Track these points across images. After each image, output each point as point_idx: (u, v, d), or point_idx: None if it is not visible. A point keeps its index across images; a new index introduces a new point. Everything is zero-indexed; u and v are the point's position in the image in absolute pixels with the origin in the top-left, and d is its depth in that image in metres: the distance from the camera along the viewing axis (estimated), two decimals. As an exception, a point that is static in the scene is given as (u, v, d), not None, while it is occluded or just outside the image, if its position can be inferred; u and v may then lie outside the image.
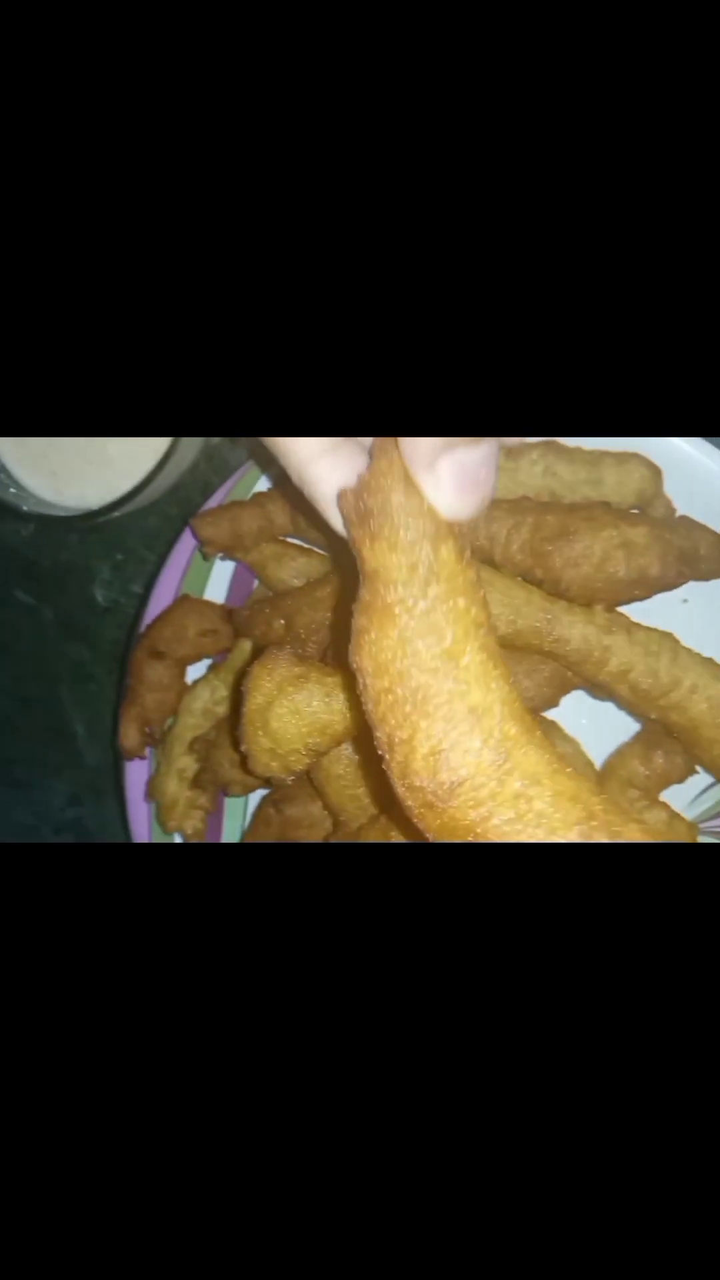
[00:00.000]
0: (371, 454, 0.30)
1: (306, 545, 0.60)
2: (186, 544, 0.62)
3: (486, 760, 0.28)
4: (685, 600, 0.54)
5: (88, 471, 0.63)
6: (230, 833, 0.65)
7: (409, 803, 0.29)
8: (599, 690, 0.51)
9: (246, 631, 0.58)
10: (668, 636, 0.49)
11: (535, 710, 0.53)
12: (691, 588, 0.52)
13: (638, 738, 0.54)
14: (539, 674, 0.51)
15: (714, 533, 0.51)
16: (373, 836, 0.51)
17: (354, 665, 0.30)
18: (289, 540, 0.60)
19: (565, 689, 0.52)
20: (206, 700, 0.62)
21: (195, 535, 0.59)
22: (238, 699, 0.51)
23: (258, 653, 0.50)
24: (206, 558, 0.62)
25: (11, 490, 0.63)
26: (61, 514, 0.62)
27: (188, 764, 0.62)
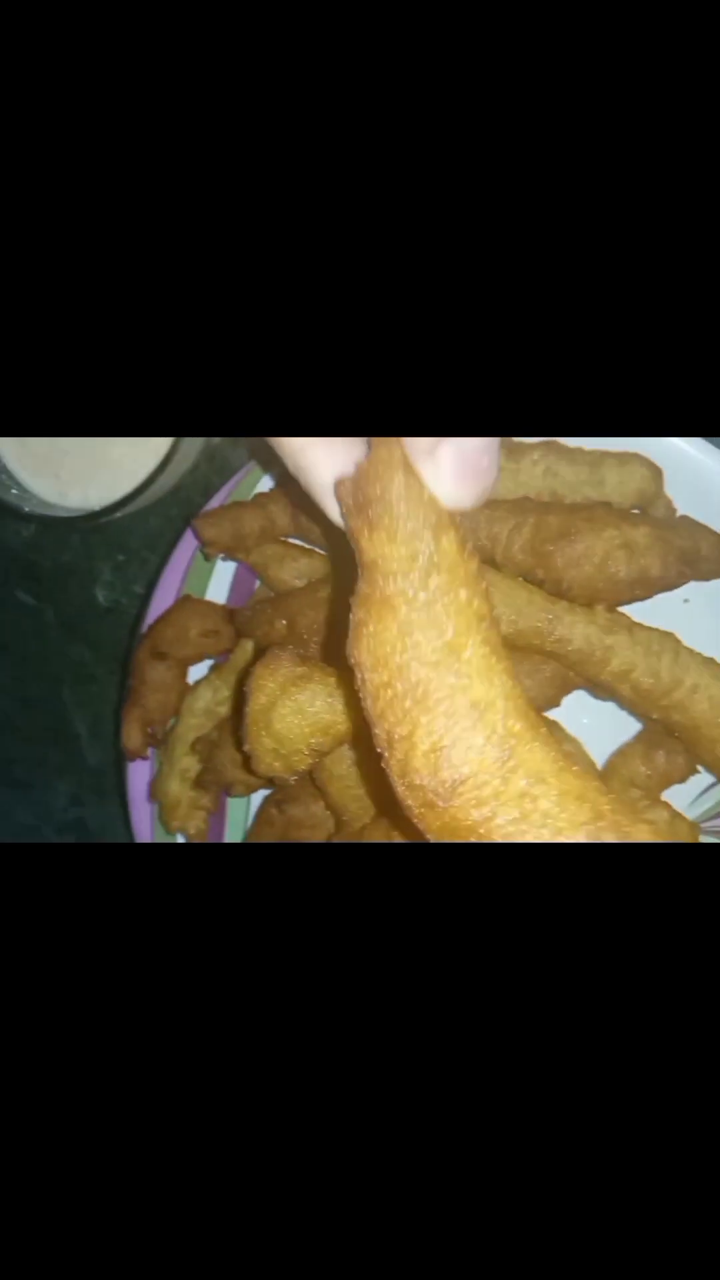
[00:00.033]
0: (370, 441, 0.29)
1: (308, 546, 0.60)
2: (188, 545, 0.62)
3: (489, 757, 0.27)
4: (686, 600, 0.54)
5: (89, 472, 0.63)
6: (233, 833, 0.65)
7: (409, 803, 0.28)
8: (600, 690, 0.51)
9: (248, 632, 0.58)
10: (669, 636, 0.49)
11: (537, 710, 0.53)
12: (692, 588, 0.52)
13: (639, 737, 0.54)
14: (540, 674, 0.51)
15: (715, 533, 0.51)
16: (376, 836, 0.51)
17: (352, 660, 0.28)
18: (291, 541, 0.60)
19: (567, 689, 0.52)
20: (208, 700, 0.62)
21: (197, 536, 0.59)
22: (240, 699, 0.51)
23: (260, 653, 0.50)
24: (208, 558, 0.62)
25: (13, 491, 0.63)
26: (63, 515, 0.62)
27: (190, 764, 0.62)
